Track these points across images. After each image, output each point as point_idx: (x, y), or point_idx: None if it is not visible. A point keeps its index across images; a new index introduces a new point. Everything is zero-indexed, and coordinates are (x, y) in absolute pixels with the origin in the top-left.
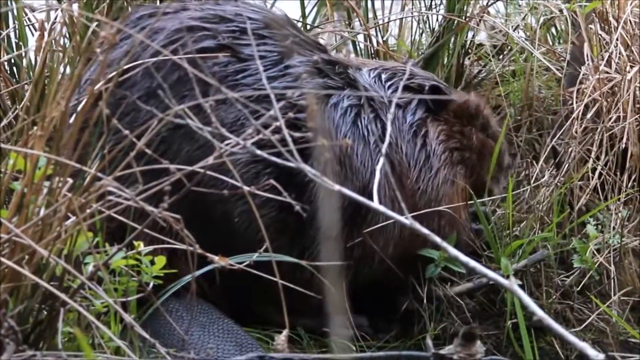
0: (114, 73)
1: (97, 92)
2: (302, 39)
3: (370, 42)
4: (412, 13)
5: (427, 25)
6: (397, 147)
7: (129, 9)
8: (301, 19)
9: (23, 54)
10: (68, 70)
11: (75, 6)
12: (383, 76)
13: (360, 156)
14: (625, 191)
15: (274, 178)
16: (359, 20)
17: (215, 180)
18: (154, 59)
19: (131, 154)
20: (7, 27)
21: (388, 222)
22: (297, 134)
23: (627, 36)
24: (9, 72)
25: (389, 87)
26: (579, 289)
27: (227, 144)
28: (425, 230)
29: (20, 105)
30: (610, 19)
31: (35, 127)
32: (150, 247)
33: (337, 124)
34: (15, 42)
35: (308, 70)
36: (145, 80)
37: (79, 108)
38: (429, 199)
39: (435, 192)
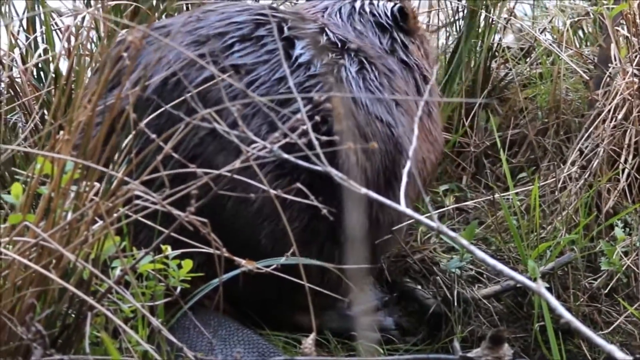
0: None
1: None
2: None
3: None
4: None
5: (454, 29)
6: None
7: (155, 14)
8: None
9: (50, 59)
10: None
11: (101, 11)
12: (343, 11)
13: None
14: None
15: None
16: None
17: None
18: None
19: (158, 157)
20: (35, 31)
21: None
22: (323, 137)
23: None
24: (36, 76)
25: (359, 24)
26: (606, 291)
27: (254, 148)
28: (451, 233)
29: (48, 110)
30: (638, 21)
31: (62, 132)
32: (178, 251)
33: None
34: (42, 46)
35: (315, 54)
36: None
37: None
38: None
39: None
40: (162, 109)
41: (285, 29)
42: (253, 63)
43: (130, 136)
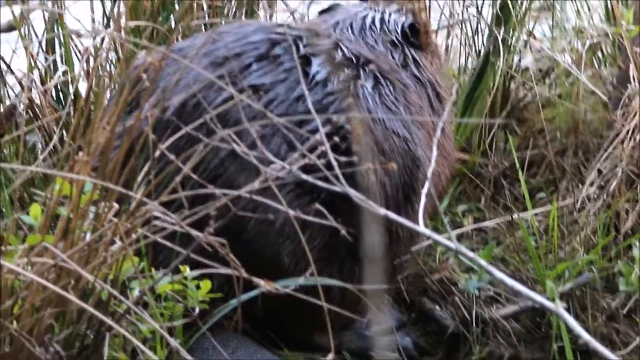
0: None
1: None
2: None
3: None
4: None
5: (474, 50)
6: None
7: (173, 35)
8: None
9: (69, 80)
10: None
11: (121, 32)
12: (355, 26)
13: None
14: None
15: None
16: None
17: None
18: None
19: (177, 178)
20: (54, 53)
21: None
22: (342, 158)
23: None
24: (55, 97)
25: (372, 39)
26: (625, 312)
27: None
28: (470, 254)
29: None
30: None
31: (81, 153)
32: (197, 272)
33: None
34: (61, 67)
35: (331, 71)
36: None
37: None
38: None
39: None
40: (182, 131)
41: (301, 46)
42: (271, 82)
43: (151, 158)
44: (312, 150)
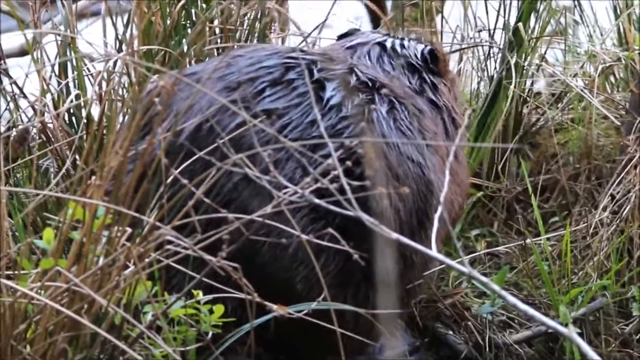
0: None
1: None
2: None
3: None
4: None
5: (486, 74)
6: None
7: (186, 59)
8: None
9: (82, 104)
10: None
11: (133, 56)
12: (372, 53)
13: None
14: None
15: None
16: None
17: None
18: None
19: (189, 202)
20: (66, 77)
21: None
22: (355, 182)
23: None
24: (67, 121)
25: (389, 65)
26: (638, 337)
27: (286, 193)
28: (483, 278)
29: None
30: None
31: (93, 177)
32: (210, 296)
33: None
34: (74, 91)
35: (346, 96)
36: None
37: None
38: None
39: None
40: (196, 156)
41: (315, 71)
42: (285, 107)
43: (163, 182)
44: (325, 174)
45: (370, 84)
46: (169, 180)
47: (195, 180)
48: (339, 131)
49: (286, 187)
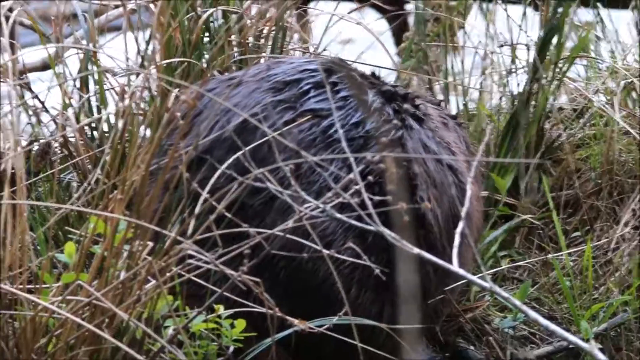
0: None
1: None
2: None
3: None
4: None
5: (508, 90)
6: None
7: (208, 74)
8: None
9: (103, 118)
10: (148, 133)
11: (155, 70)
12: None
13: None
14: None
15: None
16: (439, 85)
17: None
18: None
19: (211, 217)
20: (88, 91)
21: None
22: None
23: None
24: (89, 136)
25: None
26: None
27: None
28: (504, 294)
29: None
30: None
31: (115, 191)
32: (231, 311)
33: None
34: (96, 106)
35: (383, 101)
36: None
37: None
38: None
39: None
40: (239, 152)
41: (357, 76)
42: (329, 108)
43: (184, 194)
44: (366, 175)
45: (400, 94)
46: (198, 193)
47: (216, 195)
48: (382, 134)
49: (331, 188)
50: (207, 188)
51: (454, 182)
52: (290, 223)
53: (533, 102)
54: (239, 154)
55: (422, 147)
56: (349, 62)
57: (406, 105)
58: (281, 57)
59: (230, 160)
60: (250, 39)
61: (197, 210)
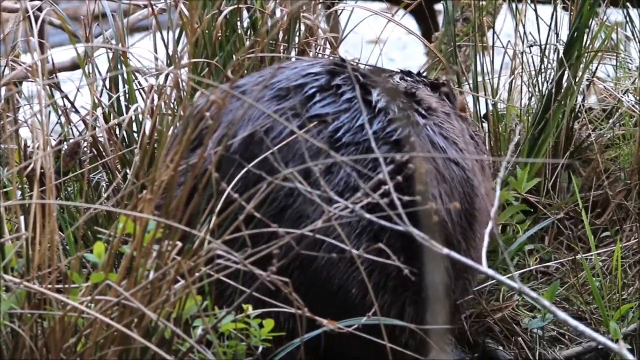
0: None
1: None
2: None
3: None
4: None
5: (537, 89)
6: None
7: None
8: None
9: (132, 118)
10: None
11: (184, 70)
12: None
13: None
14: None
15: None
16: (468, 84)
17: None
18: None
19: (240, 217)
20: (117, 90)
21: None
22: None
23: None
24: (119, 135)
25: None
26: None
27: (336, 207)
28: (533, 294)
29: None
30: None
31: (144, 191)
32: (259, 311)
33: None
34: (125, 105)
35: (390, 100)
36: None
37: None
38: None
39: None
40: (247, 167)
41: (360, 77)
42: (335, 112)
43: (214, 194)
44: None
45: (406, 92)
46: (224, 193)
47: (246, 194)
48: (389, 134)
49: (342, 192)
50: (229, 188)
51: (462, 178)
52: (319, 223)
53: (562, 102)
54: (247, 167)
55: (430, 143)
56: (351, 63)
57: (410, 101)
58: (285, 63)
59: (240, 174)
60: (280, 36)
61: (223, 212)
